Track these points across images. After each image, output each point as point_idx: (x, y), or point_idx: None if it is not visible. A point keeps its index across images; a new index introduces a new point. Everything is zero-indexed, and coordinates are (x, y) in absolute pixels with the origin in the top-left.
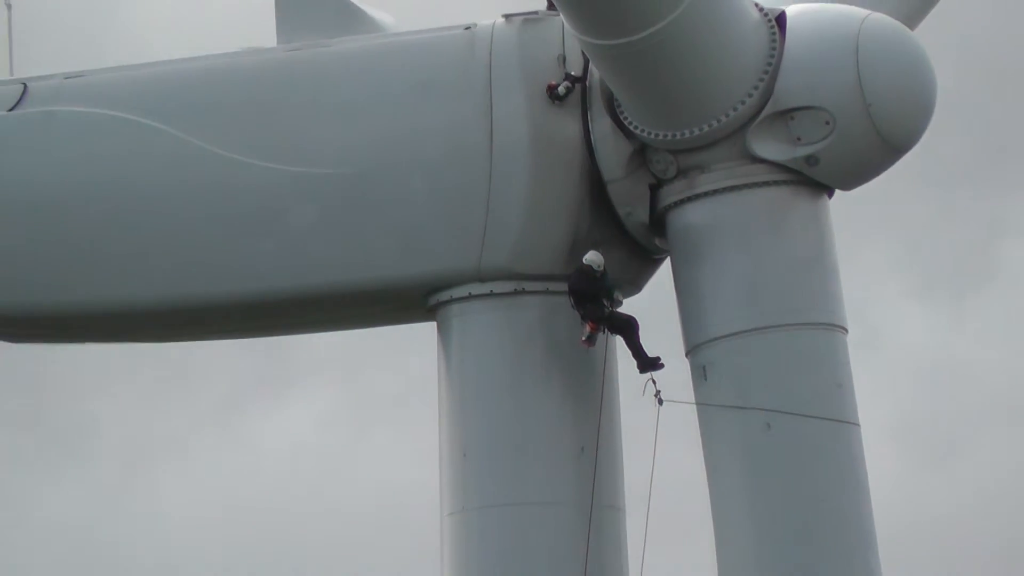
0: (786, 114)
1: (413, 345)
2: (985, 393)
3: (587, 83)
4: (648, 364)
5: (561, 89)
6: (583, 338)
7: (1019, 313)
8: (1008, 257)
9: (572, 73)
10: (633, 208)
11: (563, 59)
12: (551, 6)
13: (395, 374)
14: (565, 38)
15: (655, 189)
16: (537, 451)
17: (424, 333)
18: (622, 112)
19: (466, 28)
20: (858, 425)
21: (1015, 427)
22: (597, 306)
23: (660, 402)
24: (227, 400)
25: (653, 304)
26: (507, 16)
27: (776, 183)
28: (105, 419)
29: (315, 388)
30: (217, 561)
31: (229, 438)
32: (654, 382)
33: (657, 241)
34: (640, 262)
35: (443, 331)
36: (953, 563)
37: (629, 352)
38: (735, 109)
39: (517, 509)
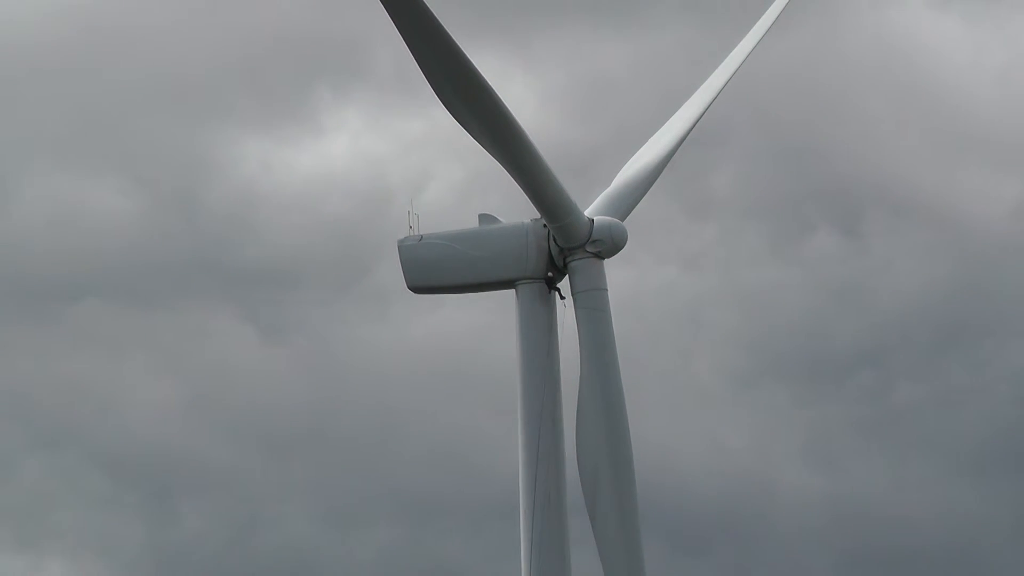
0: (595, 240)
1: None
2: None
3: (549, 244)
4: (560, 295)
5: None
6: (550, 292)
7: None
8: None
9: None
10: (559, 262)
11: (543, 222)
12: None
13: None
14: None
15: (565, 257)
16: (535, 315)
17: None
18: (556, 241)
19: (522, 222)
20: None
21: None
22: (552, 285)
23: (562, 297)
24: None
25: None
26: (532, 219)
27: (590, 256)
28: None
29: None
30: None
31: None
32: (560, 294)
33: (567, 269)
34: (561, 275)
35: (518, 294)
36: None
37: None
38: (584, 238)
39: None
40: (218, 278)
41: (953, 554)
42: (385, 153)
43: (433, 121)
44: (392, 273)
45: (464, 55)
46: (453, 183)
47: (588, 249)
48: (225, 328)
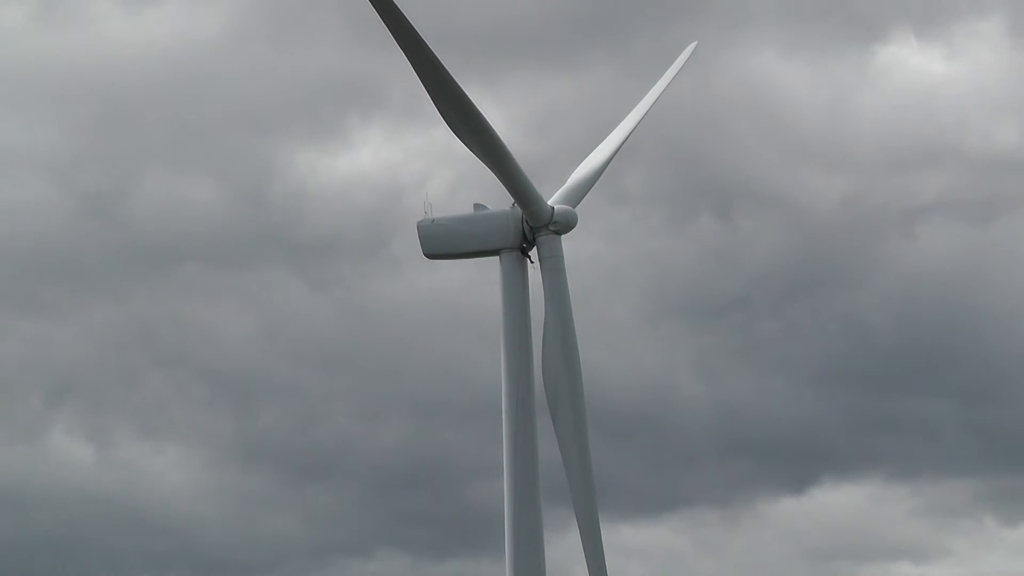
0: (555, 222)
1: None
2: None
3: (523, 224)
4: (531, 260)
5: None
6: (523, 258)
7: None
8: None
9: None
10: (530, 237)
11: (518, 208)
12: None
13: None
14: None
15: (533, 233)
16: (513, 274)
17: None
18: (527, 221)
19: (504, 209)
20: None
21: None
22: (525, 254)
23: (532, 261)
24: None
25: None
26: (511, 206)
27: (552, 233)
28: None
29: None
30: None
31: None
32: (530, 259)
33: (536, 242)
34: (531, 246)
35: (501, 260)
36: None
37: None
38: (547, 220)
39: None
40: (281, 248)
41: (798, 441)
42: (398, 161)
43: (432, 138)
44: (405, 245)
45: (460, 88)
46: (447, 181)
47: (550, 228)
48: (285, 282)
